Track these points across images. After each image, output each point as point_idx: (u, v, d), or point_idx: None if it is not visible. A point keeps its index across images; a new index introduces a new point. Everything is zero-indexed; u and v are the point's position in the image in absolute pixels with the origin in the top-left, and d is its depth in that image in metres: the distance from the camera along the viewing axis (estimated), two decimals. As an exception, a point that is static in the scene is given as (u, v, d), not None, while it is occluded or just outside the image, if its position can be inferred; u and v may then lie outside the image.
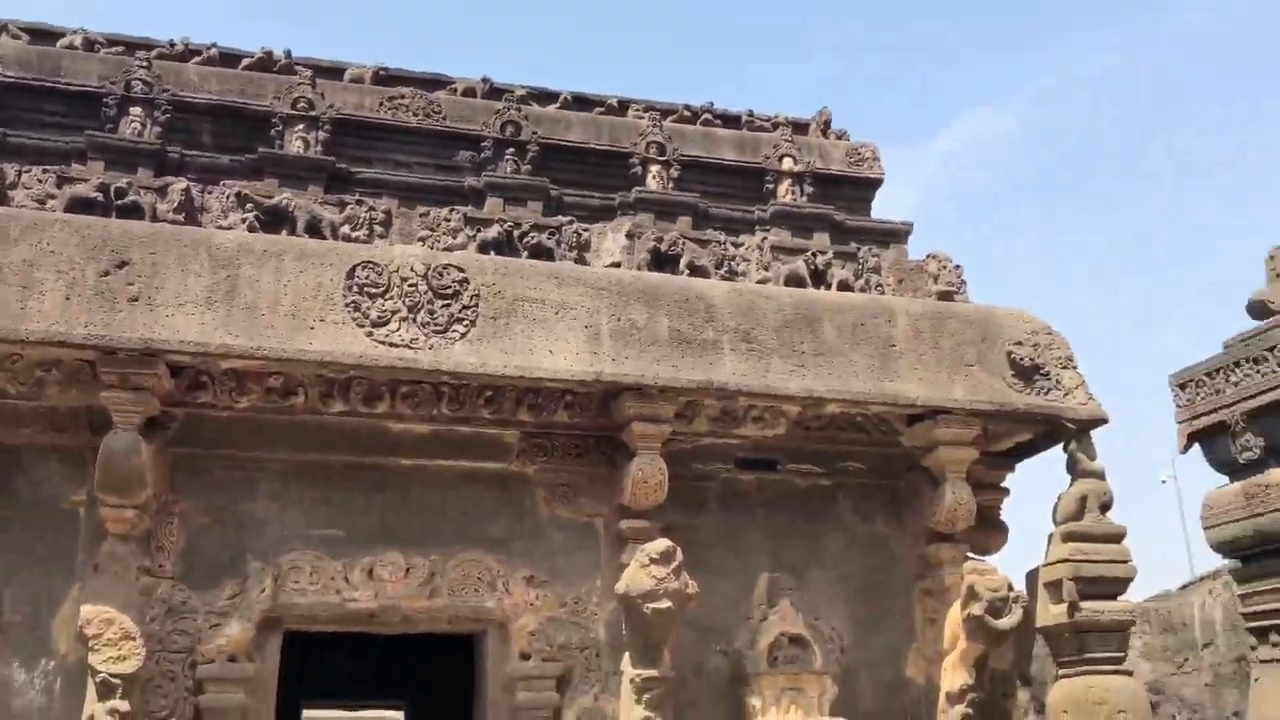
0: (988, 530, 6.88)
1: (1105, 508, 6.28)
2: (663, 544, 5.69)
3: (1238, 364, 6.99)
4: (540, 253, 6.53)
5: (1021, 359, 6.42)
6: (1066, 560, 6.12)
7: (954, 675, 6.11)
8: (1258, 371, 6.83)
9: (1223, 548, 7.09)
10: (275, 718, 5.69)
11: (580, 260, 6.69)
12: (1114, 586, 6.15)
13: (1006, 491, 7.04)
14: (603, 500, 6.19)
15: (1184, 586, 15.80)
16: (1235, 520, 6.91)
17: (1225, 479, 7.08)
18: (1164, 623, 14.32)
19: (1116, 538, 6.22)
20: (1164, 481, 30.51)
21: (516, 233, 6.64)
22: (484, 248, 6.47)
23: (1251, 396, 6.72)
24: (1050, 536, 6.37)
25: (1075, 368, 6.54)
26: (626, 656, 5.82)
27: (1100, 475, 6.34)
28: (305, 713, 10.87)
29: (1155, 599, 15.49)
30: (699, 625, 6.16)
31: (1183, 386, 7.48)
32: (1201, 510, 7.30)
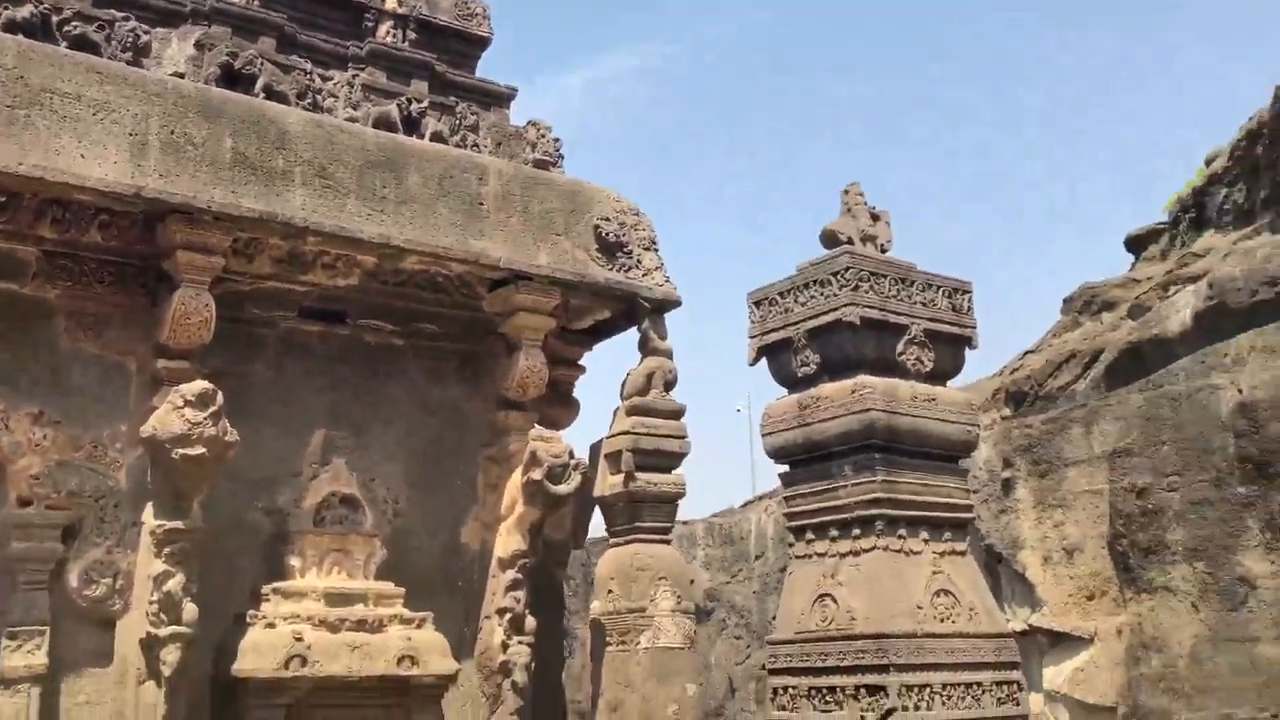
0: (561, 405, 6.88)
1: (669, 386, 6.43)
2: (200, 385, 5.12)
3: (806, 285, 7.31)
4: (84, 46, 5.60)
5: (607, 234, 6.40)
6: (628, 432, 6.22)
7: (508, 540, 6.04)
8: (822, 294, 7.18)
9: (776, 453, 7.46)
10: None
11: (135, 65, 5.84)
12: (669, 460, 6.34)
13: (583, 369, 7.07)
14: (139, 337, 5.49)
15: (745, 504, 17.06)
16: (789, 429, 7.25)
17: (785, 392, 7.39)
18: (724, 536, 15.36)
19: (676, 414, 6.40)
20: (739, 411, 32.94)
21: (56, 19, 5.67)
22: (11, 28, 5.45)
23: (814, 316, 7.05)
24: (616, 411, 6.45)
25: (656, 251, 6.63)
26: (150, 506, 5.21)
27: (668, 354, 6.48)
28: None
29: (719, 515, 16.40)
30: (243, 479, 5.66)
31: (758, 304, 7.75)
32: (761, 419, 7.62)
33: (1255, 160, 11.82)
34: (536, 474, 5.86)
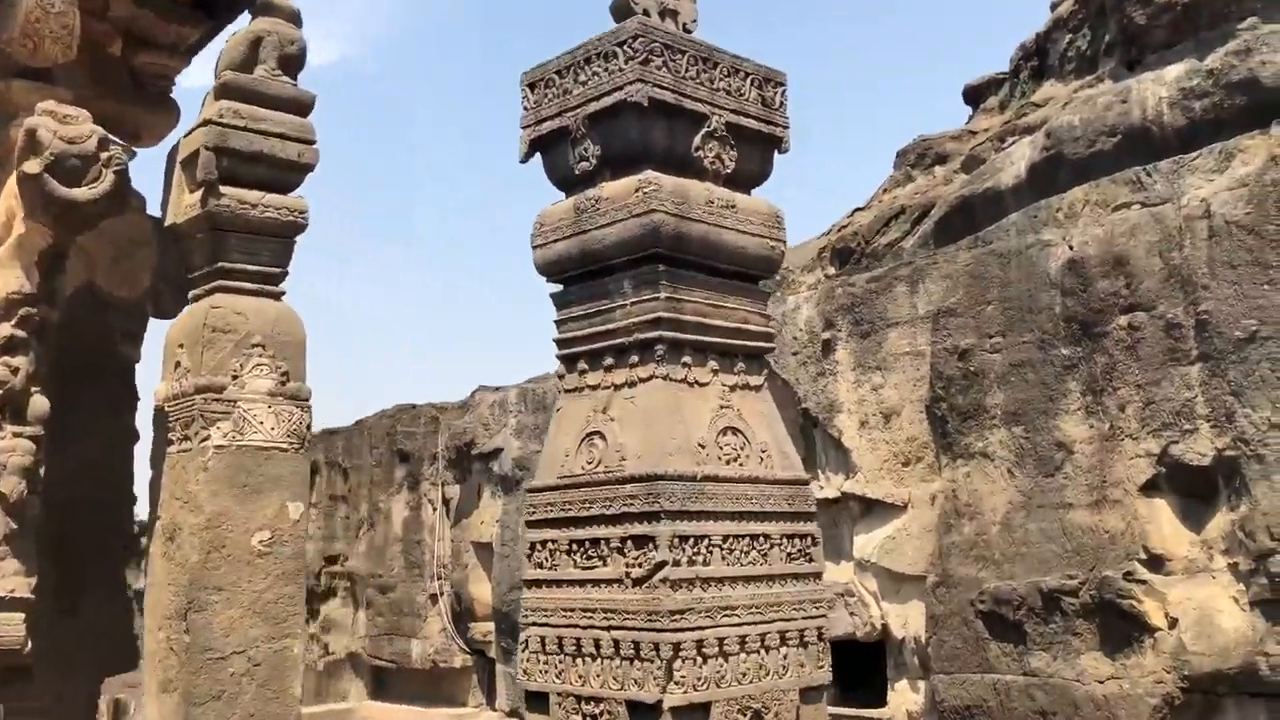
0: (149, 106, 4.62)
1: (290, 64, 4.18)
2: None
3: (588, 60, 5.74)
4: None
5: None
6: (212, 122, 3.97)
7: (3, 276, 3.76)
8: (605, 70, 5.64)
9: (548, 269, 6.12)
10: None
11: None
12: (281, 173, 4.12)
13: (186, 60, 4.80)
14: None
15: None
16: (563, 238, 5.96)
17: (563, 196, 5.83)
18: (537, 402, 14.75)
19: (297, 106, 4.17)
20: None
21: None
22: None
23: (595, 98, 5.63)
24: (205, 98, 4.22)
25: None
26: None
27: (290, 18, 4.22)
28: None
29: (532, 380, 15.66)
30: None
31: (532, 87, 6.13)
32: (532, 229, 5.99)
33: (1102, 2, 10.80)
34: (33, 165, 3.57)
